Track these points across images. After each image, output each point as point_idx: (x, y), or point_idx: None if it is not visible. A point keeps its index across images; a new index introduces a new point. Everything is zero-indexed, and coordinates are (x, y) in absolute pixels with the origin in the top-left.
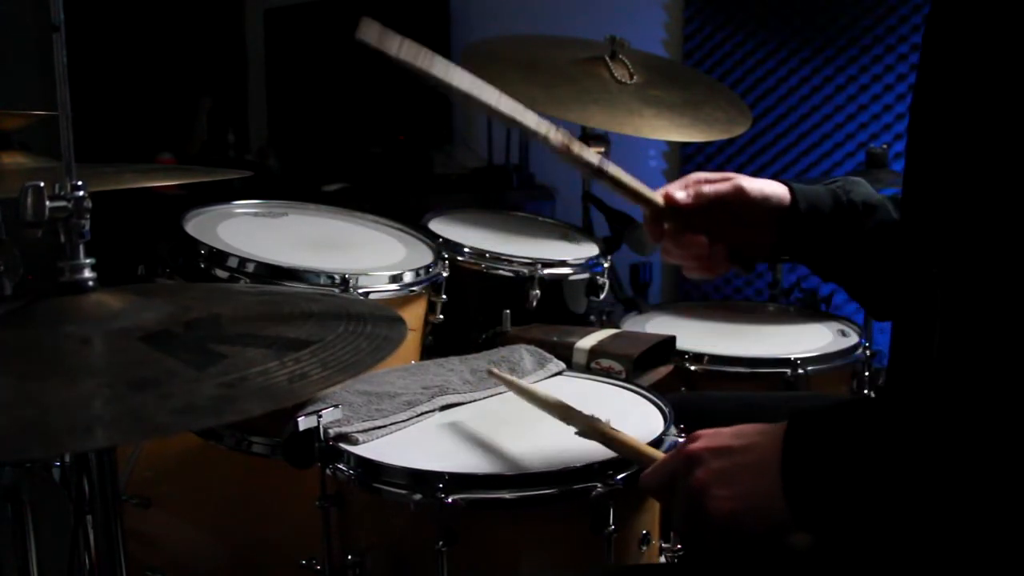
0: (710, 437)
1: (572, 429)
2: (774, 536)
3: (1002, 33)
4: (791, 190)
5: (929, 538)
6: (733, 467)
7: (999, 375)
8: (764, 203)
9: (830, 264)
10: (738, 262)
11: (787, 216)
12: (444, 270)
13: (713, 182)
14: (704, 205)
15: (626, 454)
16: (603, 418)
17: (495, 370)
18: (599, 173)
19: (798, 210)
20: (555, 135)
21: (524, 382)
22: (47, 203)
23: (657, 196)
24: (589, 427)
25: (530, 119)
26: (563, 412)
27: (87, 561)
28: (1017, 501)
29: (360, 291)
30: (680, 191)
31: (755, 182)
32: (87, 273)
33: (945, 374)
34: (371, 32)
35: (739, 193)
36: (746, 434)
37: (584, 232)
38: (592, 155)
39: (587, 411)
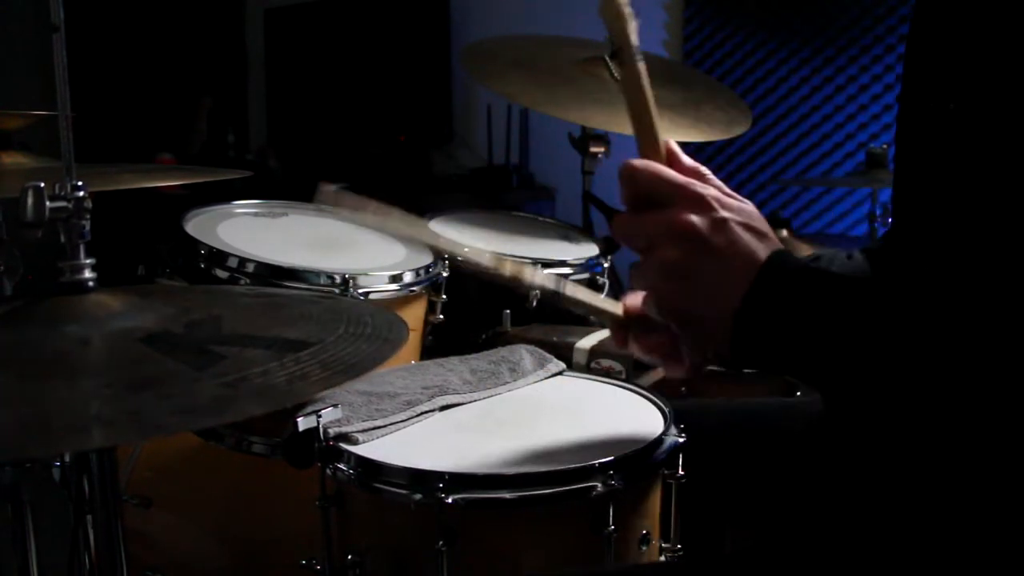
0: (706, 217)
1: (574, 430)
2: (699, 343)
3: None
4: None
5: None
6: (704, 269)
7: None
8: None
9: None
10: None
11: None
12: (444, 270)
13: None
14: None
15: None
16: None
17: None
18: (556, 296)
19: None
20: (507, 268)
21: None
22: (47, 203)
23: (617, 309)
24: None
25: (487, 260)
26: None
27: (87, 561)
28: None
29: (360, 291)
30: (640, 296)
31: None
32: (87, 273)
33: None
34: (327, 196)
35: None
36: (735, 243)
37: (584, 232)
38: (549, 280)
39: (588, 411)
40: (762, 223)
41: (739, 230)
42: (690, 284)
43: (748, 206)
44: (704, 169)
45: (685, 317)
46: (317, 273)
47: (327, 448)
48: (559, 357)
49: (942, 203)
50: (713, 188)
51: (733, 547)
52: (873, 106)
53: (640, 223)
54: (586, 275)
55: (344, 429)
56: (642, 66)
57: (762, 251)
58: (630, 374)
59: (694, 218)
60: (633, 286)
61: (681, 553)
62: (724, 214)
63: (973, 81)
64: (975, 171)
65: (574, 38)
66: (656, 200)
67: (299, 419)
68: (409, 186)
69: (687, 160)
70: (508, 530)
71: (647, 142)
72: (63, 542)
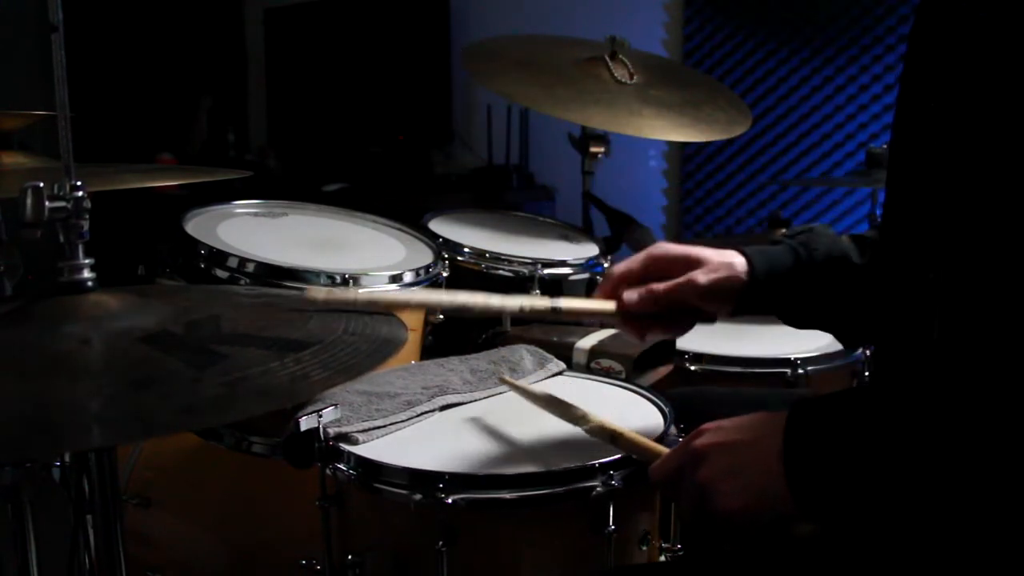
0: (714, 432)
1: (574, 430)
2: (781, 527)
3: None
4: (749, 262)
5: (930, 526)
6: (738, 463)
7: (1000, 367)
8: (720, 290)
9: (795, 315)
10: (701, 320)
11: (746, 286)
12: (444, 270)
13: (671, 266)
14: (657, 305)
15: (633, 452)
16: (609, 419)
17: (507, 378)
18: (556, 312)
19: (757, 280)
20: (510, 305)
21: (534, 387)
22: (47, 203)
23: (610, 306)
24: (599, 428)
25: (479, 300)
26: (574, 415)
27: (87, 561)
28: (1015, 492)
29: (360, 291)
30: (634, 293)
31: (710, 273)
32: (87, 273)
33: (945, 364)
34: (318, 297)
35: (693, 288)
36: (748, 427)
37: (584, 232)
38: (544, 302)
39: (588, 411)
40: (758, 414)
41: (739, 421)
42: (735, 477)
43: (743, 416)
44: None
45: (752, 507)
46: (317, 273)
47: (327, 448)
48: (559, 357)
49: (930, 197)
50: (706, 424)
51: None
52: (873, 106)
53: (686, 491)
54: (586, 275)
55: (344, 429)
56: (565, 303)
57: (775, 416)
58: (630, 374)
59: (698, 441)
60: (690, 521)
61: (681, 553)
62: (721, 424)
63: (953, 82)
64: (954, 167)
65: (574, 38)
66: (679, 471)
67: (299, 419)
68: (409, 186)
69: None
70: (508, 530)
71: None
72: (63, 542)
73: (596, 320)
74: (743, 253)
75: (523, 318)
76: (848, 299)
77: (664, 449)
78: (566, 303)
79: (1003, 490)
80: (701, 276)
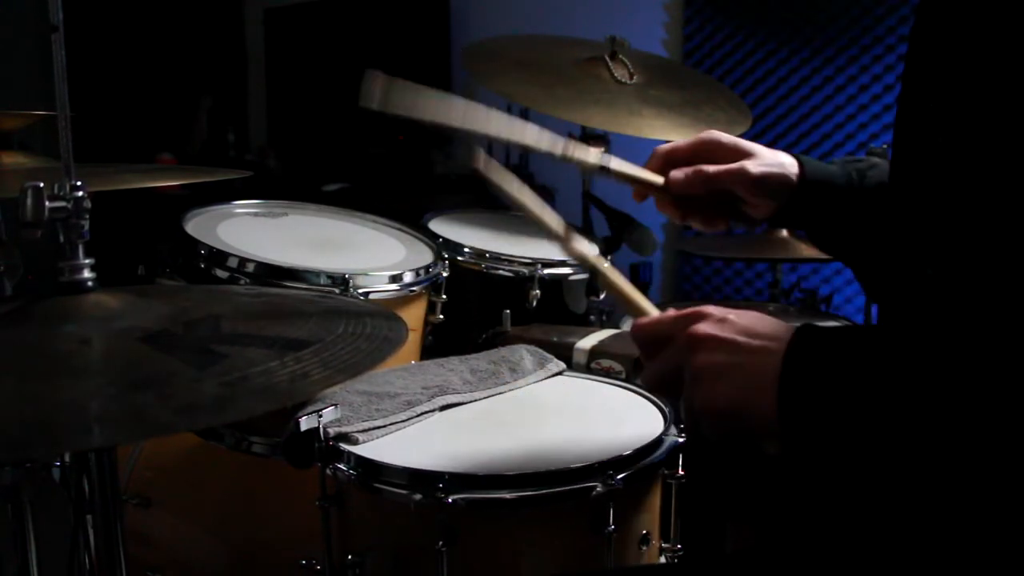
0: (718, 324)
1: (574, 430)
2: (759, 437)
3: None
4: (801, 166)
5: (919, 471)
6: (734, 366)
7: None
8: (769, 184)
9: (833, 240)
10: (741, 220)
11: (795, 191)
12: (444, 270)
13: (721, 153)
14: (704, 187)
15: (615, 295)
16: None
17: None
18: (604, 170)
19: (806, 187)
20: (557, 146)
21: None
22: (47, 203)
23: (658, 179)
24: (580, 255)
25: (530, 136)
26: (554, 231)
27: (87, 561)
28: (1012, 444)
29: (360, 291)
30: (682, 172)
31: (761, 166)
32: (87, 273)
33: (945, 315)
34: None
35: (743, 176)
36: (753, 332)
37: (584, 232)
38: (593, 157)
39: (588, 411)
40: (767, 318)
41: (747, 320)
42: (727, 379)
43: (751, 312)
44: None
45: (735, 414)
46: (317, 273)
47: (327, 448)
48: (559, 357)
49: (930, 196)
50: (711, 307)
51: (733, 547)
52: (873, 106)
53: (663, 359)
54: (586, 275)
55: (344, 429)
56: (616, 163)
57: (783, 327)
58: (630, 374)
59: (700, 326)
60: (683, 417)
61: (681, 553)
62: (727, 315)
63: (952, 82)
64: (953, 167)
65: (574, 38)
66: (666, 339)
67: (300, 419)
68: (409, 186)
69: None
70: (508, 530)
71: (638, 312)
72: (63, 542)
73: (639, 188)
74: (796, 157)
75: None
76: (887, 235)
77: (652, 308)
78: (616, 164)
79: (998, 437)
80: (753, 166)
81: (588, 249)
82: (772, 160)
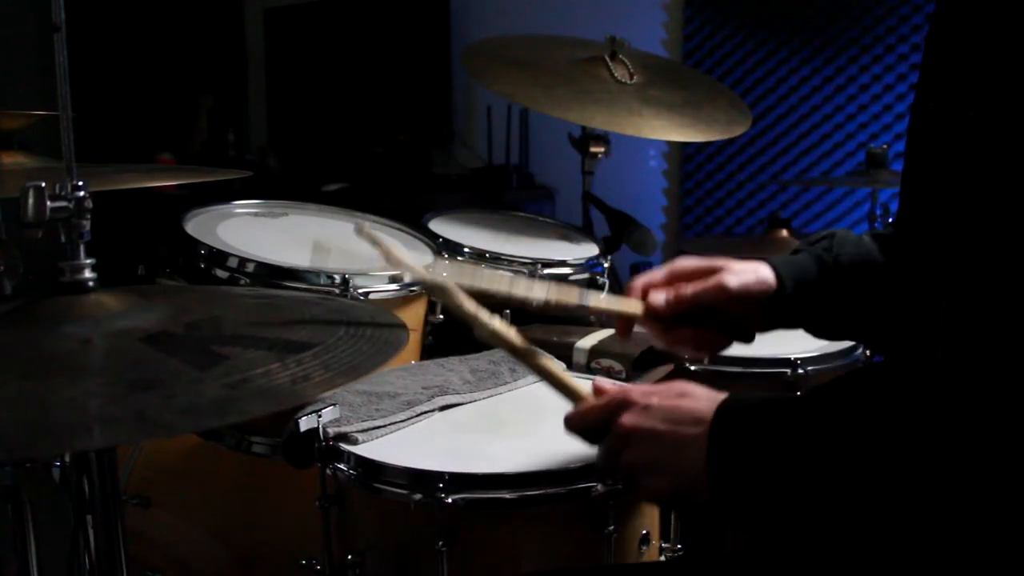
0: (640, 413)
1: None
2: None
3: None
4: (776, 272)
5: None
6: (661, 459)
7: (1004, 385)
8: (748, 297)
9: (825, 326)
10: (735, 337)
11: (774, 298)
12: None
13: (696, 275)
14: (685, 306)
15: (546, 379)
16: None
17: (367, 228)
18: (582, 309)
19: (784, 292)
20: (536, 295)
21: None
22: (48, 203)
23: (637, 307)
24: (492, 334)
25: (503, 287)
26: (465, 309)
27: (87, 561)
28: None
29: (360, 291)
30: (661, 294)
31: (738, 276)
32: (87, 273)
33: (946, 380)
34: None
35: (721, 291)
36: (677, 419)
37: (584, 232)
38: (572, 297)
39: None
40: (689, 393)
41: (671, 402)
42: (658, 474)
43: (676, 384)
44: (627, 386)
45: (673, 498)
46: (317, 273)
47: (327, 448)
48: (559, 357)
49: (953, 211)
50: (637, 389)
51: (733, 547)
52: (873, 106)
53: (605, 452)
54: (586, 275)
55: (344, 429)
56: (594, 299)
57: (704, 405)
58: (630, 374)
59: (625, 418)
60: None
61: (681, 553)
62: (650, 400)
63: (995, 88)
64: (994, 179)
65: (574, 38)
66: (601, 427)
67: (299, 419)
68: (409, 186)
69: (609, 385)
70: (508, 530)
71: (569, 395)
72: (63, 542)
73: (619, 319)
74: (768, 263)
75: (544, 312)
76: (878, 304)
77: (585, 391)
78: (594, 300)
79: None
80: (730, 278)
81: (506, 330)
82: (747, 269)
